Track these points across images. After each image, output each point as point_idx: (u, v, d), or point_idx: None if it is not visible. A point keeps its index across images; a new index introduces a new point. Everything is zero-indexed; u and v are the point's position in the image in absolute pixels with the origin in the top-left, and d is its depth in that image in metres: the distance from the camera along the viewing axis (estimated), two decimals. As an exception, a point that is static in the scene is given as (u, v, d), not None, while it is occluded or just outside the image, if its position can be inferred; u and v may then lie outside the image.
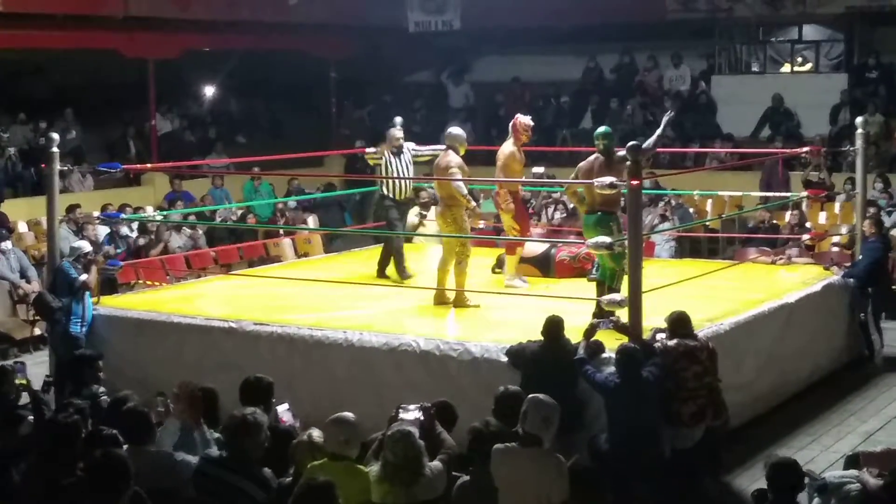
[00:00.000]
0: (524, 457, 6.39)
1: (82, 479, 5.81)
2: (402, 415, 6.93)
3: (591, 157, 9.85)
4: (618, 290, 9.47)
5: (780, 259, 13.11)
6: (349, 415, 6.46)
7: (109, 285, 13.70)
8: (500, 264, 12.26)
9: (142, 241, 15.47)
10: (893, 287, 12.84)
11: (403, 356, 9.44)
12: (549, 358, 8.61)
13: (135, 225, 15.80)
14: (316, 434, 6.22)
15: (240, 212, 17.51)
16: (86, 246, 11.11)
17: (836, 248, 13.67)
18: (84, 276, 10.57)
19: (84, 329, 10.55)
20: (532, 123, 11.36)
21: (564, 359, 8.59)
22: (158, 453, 6.63)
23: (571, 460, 6.93)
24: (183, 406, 7.07)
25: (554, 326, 8.74)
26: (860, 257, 12.23)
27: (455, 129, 11.26)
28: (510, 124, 11.40)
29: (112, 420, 7.05)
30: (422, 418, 6.93)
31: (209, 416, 7.19)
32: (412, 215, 13.82)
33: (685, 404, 8.41)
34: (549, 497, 6.29)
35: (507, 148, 11.27)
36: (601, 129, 9.98)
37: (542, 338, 8.74)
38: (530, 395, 6.77)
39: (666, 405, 8.38)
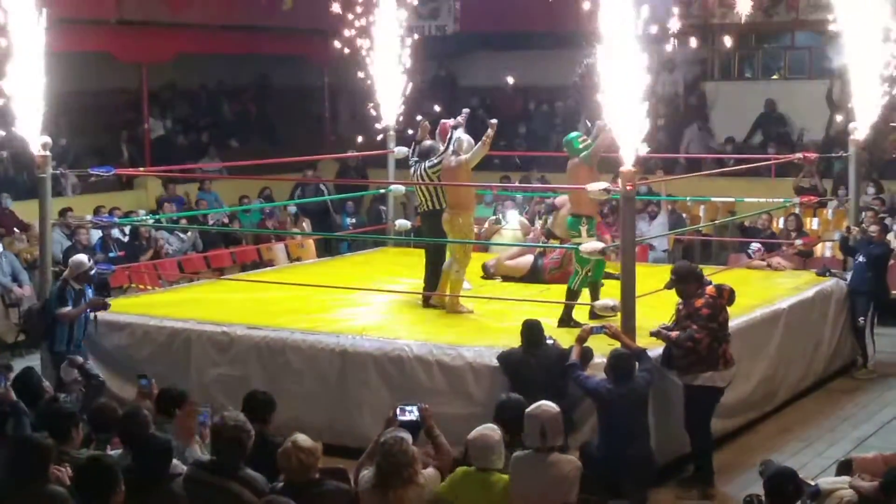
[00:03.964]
0: (543, 462, 6.50)
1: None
2: (400, 416, 6.93)
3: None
4: (579, 292, 9.95)
5: (775, 263, 13.14)
6: (490, 430, 6.51)
7: (102, 288, 13.66)
8: (485, 270, 12.31)
9: (124, 252, 15.35)
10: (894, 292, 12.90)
11: (396, 361, 9.43)
12: (531, 361, 8.65)
13: (127, 229, 15.79)
14: (301, 439, 6.19)
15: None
16: (85, 261, 10.58)
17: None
18: (66, 309, 10.08)
19: (72, 347, 10.16)
20: (452, 123, 11.27)
21: (546, 361, 8.62)
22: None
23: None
24: (185, 426, 7.04)
25: (530, 330, 8.77)
26: (860, 259, 12.18)
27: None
28: (437, 130, 11.46)
29: (101, 425, 7.02)
30: (418, 420, 6.94)
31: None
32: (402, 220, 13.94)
33: (728, 345, 8.81)
34: (566, 498, 6.39)
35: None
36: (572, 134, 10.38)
37: (522, 342, 8.79)
38: (528, 408, 6.81)
39: (712, 351, 8.66)
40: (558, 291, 11.57)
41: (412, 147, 11.42)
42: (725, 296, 8.80)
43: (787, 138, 20.34)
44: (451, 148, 10.80)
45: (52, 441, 6.34)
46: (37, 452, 6.15)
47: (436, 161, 10.95)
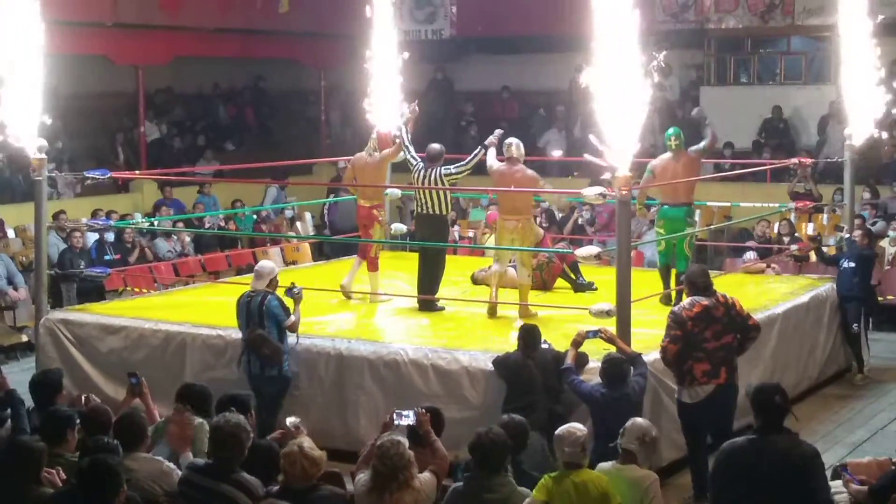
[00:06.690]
0: (623, 473, 6.76)
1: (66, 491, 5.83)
2: (397, 420, 6.92)
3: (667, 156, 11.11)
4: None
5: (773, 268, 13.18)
6: (576, 427, 6.58)
7: (97, 293, 13.69)
8: (474, 279, 12.25)
9: (119, 255, 15.34)
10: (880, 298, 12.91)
11: (392, 365, 9.43)
12: (529, 366, 8.64)
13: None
14: (307, 444, 6.18)
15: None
16: (274, 266, 9.86)
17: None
18: (293, 318, 9.38)
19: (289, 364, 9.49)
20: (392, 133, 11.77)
21: (544, 366, 8.61)
22: (150, 459, 6.62)
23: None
24: (175, 432, 7.03)
25: (528, 335, 8.76)
26: (848, 265, 12.16)
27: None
28: (375, 136, 11.78)
29: (92, 427, 7.01)
30: (414, 424, 6.93)
31: (203, 415, 7.15)
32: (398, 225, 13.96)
33: (700, 363, 8.36)
34: None
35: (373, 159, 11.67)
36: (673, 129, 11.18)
37: (518, 348, 8.79)
38: (631, 420, 6.97)
39: (679, 365, 8.37)
40: (554, 296, 11.60)
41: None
42: (696, 309, 8.34)
43: (789, 144, 20.34)
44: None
45: (43, 444, 6.34)
46: (28, 455, 6.16)
47: (454, 171, 10.97)
